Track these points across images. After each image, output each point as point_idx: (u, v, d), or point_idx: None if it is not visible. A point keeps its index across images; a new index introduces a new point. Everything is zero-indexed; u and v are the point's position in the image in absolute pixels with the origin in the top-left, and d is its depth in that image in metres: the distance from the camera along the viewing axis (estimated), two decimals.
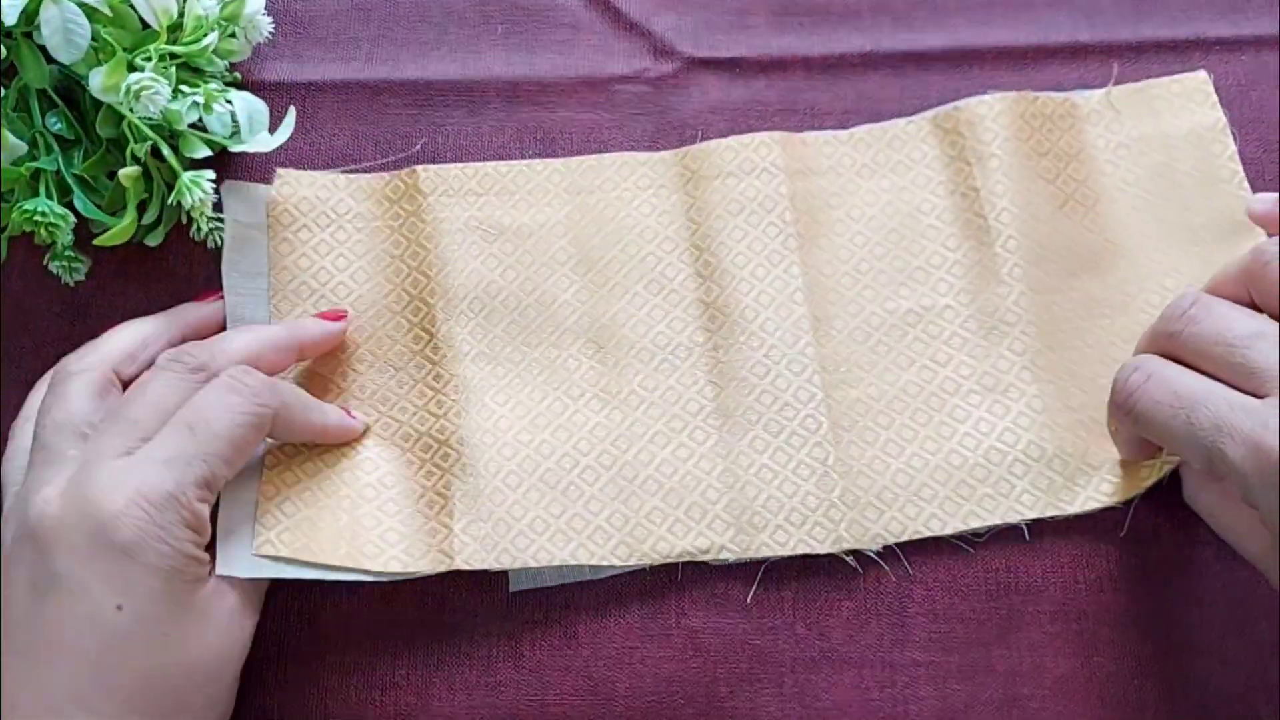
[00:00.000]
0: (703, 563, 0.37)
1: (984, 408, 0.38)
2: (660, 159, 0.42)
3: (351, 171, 0.42)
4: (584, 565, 0.37)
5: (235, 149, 0.39)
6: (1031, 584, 0.37)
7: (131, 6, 0.37)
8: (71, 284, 0.40)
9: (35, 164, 0.37)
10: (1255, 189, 0.41)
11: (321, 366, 0.39)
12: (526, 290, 0.40)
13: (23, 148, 0.37)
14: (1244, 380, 0.30)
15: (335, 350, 0.39)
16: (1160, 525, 0.38)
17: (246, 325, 0.38)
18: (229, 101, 0.39)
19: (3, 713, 0.30)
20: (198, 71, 0.39)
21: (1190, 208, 0.41)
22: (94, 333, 0.37)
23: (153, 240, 0.40)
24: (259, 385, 0.34)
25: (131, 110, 0.36)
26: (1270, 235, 0.36)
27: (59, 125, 0.38)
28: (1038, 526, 0.38)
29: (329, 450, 0.38)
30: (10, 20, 0.36)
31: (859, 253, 0.41)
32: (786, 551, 0.37)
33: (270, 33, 0.41)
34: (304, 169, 0.42)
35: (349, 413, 0.38)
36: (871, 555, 0.37)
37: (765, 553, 0.37)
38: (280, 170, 0.41)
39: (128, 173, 0.37)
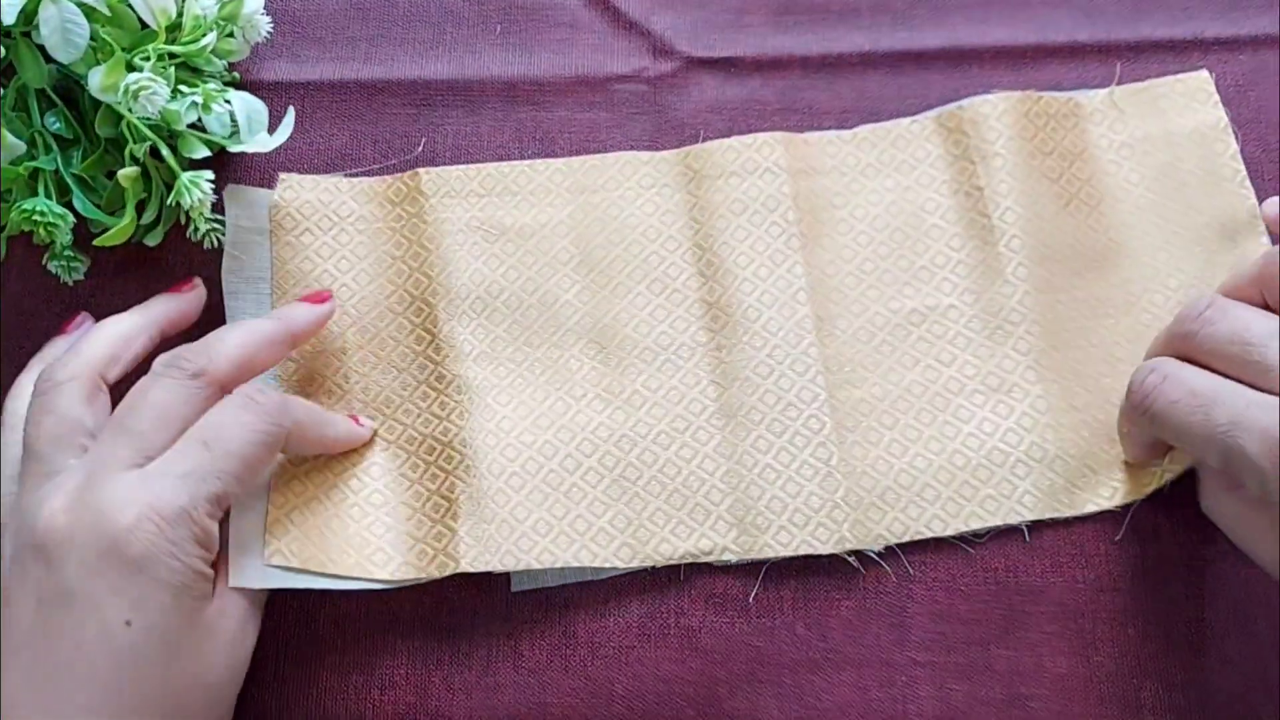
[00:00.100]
0: (703, 563, 0.37)
1: (988, 408, 0.38)
2: (662, 158, 0.42)
3: (353, 174, 0.42)
4: (586, 566, 0.37)
5: (234, 149, 0.39)
6: (1031, 583, 0.37)
7: (130, 6, 0.37)
8: (70, 284, 0.40)
9: (34, 163, 0.37)
10: (1254, 188, 0.41)
11: (325, 369, 0.39)
12: (529, 290, 0.40)
13: (21, 147, 0.37)
14: (1260, 378, 0.31)
15: (338, 353, 0.39)
16: (1160, 525, 0.38)
17: (235, 322, 0.38)
18: (228, 101, 0.38)
19: None
20: (196, 71, 0.39)
21: (1194, 207, 0.41)
22: None
23: (151, 240, 0.40)
24: (273, 404, 0.34)
25: (130, 110, 0.36)
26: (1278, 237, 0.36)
27: (58, 125, 0.38)
28: (1038, 526, 0.38)
29: (336, 459, 0.38)
30: (9, 20, 0.35)
31: (862, 252, 0.41)
32: (789, 552, 0.37)
33: (269, 32, 0.41)
34: (303, 169, 0.42)
35: (356, 420, 0.38)
36: (872, 555, 0.37)
37: (768, 553, 0.37)
38: (282, 174, 0.41)
39: (126, 173, 0.37)
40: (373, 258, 0.40)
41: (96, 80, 0.36)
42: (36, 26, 0.35)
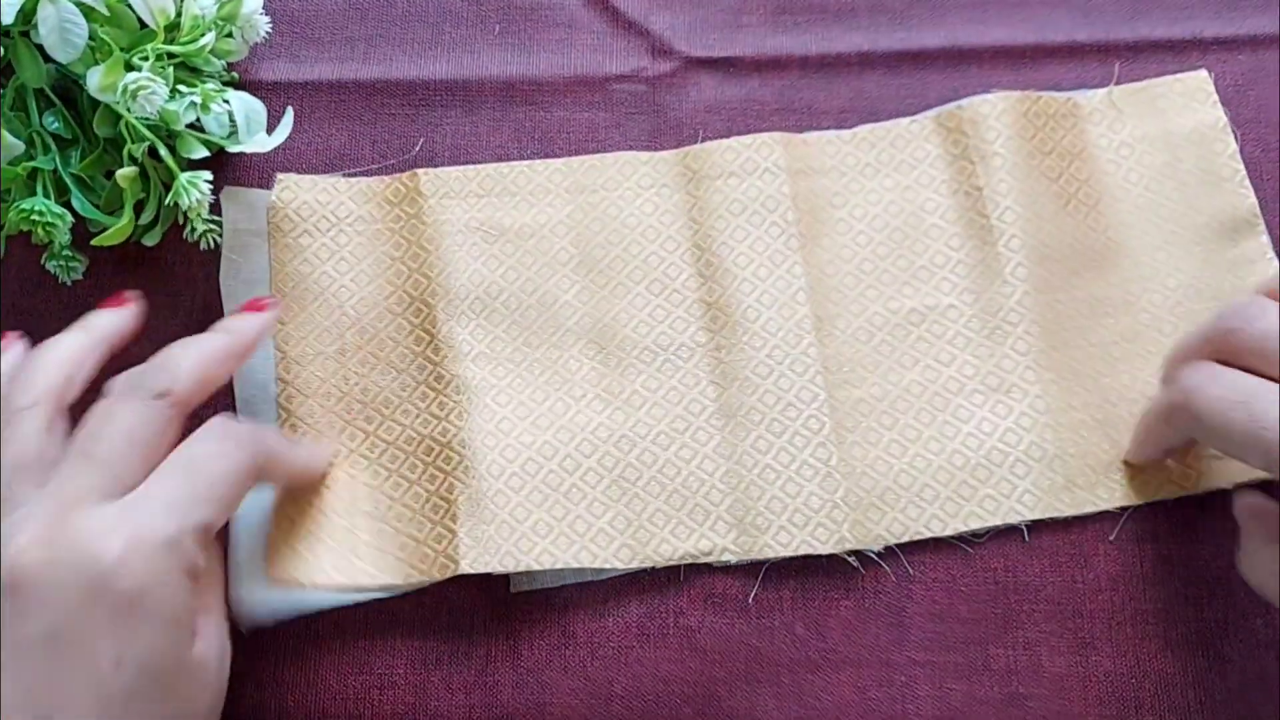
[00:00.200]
0: (703, 563, 0.37)
1: (987, 407, 0.38)
2: (661, 158, 0.42)
3: (351, 174, 0.42)
4: (585, 567, 0.37)
5: (233, 149, 0.39)
6: (1030, 583, 0.37)
7: (129, 6, 0.37)
8: (69, 283, 0.40)
9: (32, 163, 0.37)
10: (1254, 188, 0.41)
11: (324, 372, 0.39)
12: (528, 291, 0.40)
13: (20, 147, 0.37)
14: None
15: (337, 355, 0.39)
16: (1158, 525, 0.38)
17: (184, 340, 0.34)
18: (226, 101, 0.38)
19: None
20: (195, 71, 0.39)
21: (1193, 207, 0.41)
22: None
23: (150, 240, 0.40)
24: (248, 433, 0.33)
25: (129, 110, 0.36)
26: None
27: (56, 125, 0.38)
28: (1036, 526, 0.38)
29: (335, 466, 0.38)
30: (7, 19, 0.35)
31: (861, 252, 0.41)
32: (789, 552, 0.37)
33: (267, 32, 0.41)
34: (301, 169, 0.42)
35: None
36: (871, 555, 0.37)
37: (768, 554, 0.37)
38: (280, 175, 0.41)
39: (125, 173, 0.37)
40: (371, 259, 0.40)
41: (95, 80, 0.36)
42: (35, 26, 0.35)
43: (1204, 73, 0.43)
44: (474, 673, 0.37)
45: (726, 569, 0.37)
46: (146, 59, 0.37)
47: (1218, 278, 0.40)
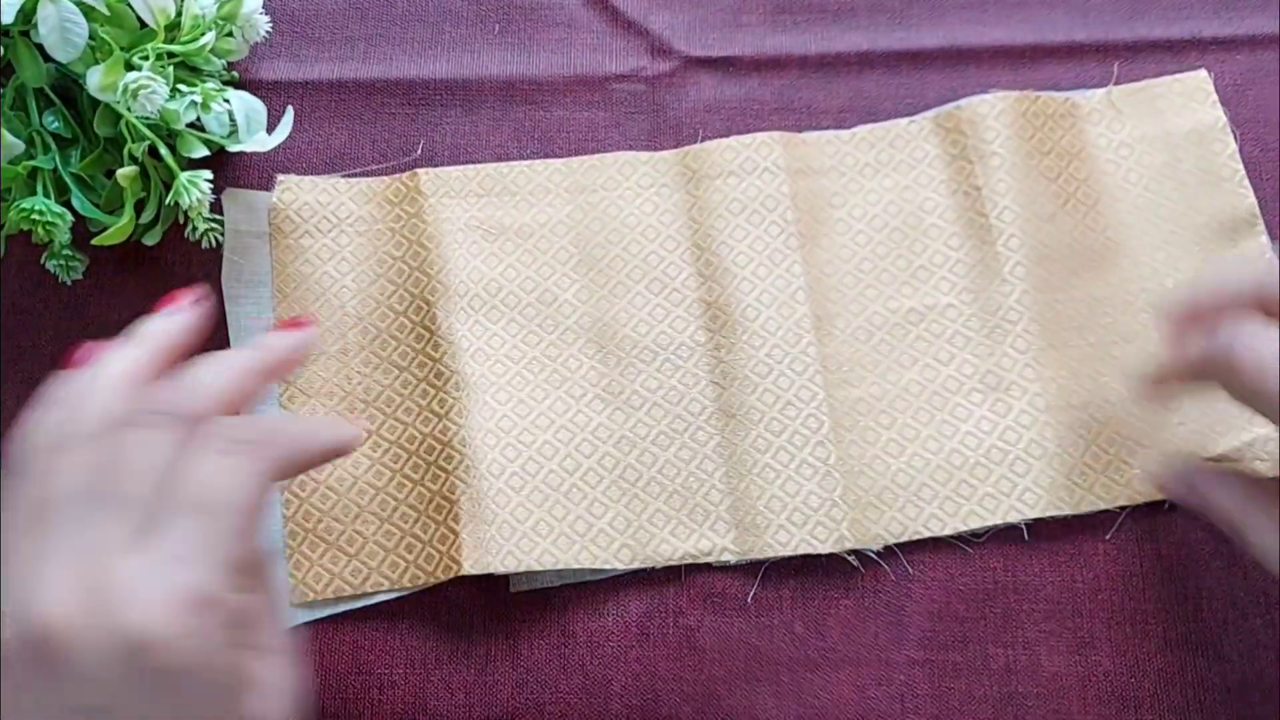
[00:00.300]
0: (702, 563, 0.37)
1: (986, 406, 0.38)
2: (661, 158, 0.42)
3: (351, 174, 0.42)
4: (585, 568, 0.37)
5: (233, 149, 0.39)
6: (1028, 582, 0.37)
7: (129, 5, 0.37)
8: (69, 283, 0.40)
9: (33, 163, 0.37)
10: (1253, 188, 0.41)
11: (325, 371, 0.39)
12: (528, 289, 0.40)
13: (20, 146, 0.37)
14: None
15: (340, 355, 0.39)
16: (1157, 524, 0.38)
17: (210, 355, 0.31)
18: (226, 101, 0.38)
19: None
20: (195, 71, 0.39)
21: (1192, 207, 0.41)
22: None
23: (150, 239, 0.40)
24: (256, 437, 0.28)
25: (129, 109, 0.36)
26: None
27: (56, 124, 0.38)
28: (1035, 526, 0.38)
29: (338, 472, 0.38)
30: (8, 19, 0.35)
31: (861, 252, 0.41)
32: (788, 551, 0.37)
33: (267, 32, 0.41)
34: (301, 168, 0.42)
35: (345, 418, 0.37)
36: (871, 554, 0.37)
37: (767, 553, 0.37)
38: (280, 176, 0.41)
39: (125, 172, 0.37)
40: (373, 259, 0.40)
41: (95, 79, 0.36)
42: (35, 25, 0.35)
43: (1203, 73, 0.43)
44: (474, 673, 0.37)
45: (726, 568, 0.37)
46: (147, 58, 0.37)
47: None
